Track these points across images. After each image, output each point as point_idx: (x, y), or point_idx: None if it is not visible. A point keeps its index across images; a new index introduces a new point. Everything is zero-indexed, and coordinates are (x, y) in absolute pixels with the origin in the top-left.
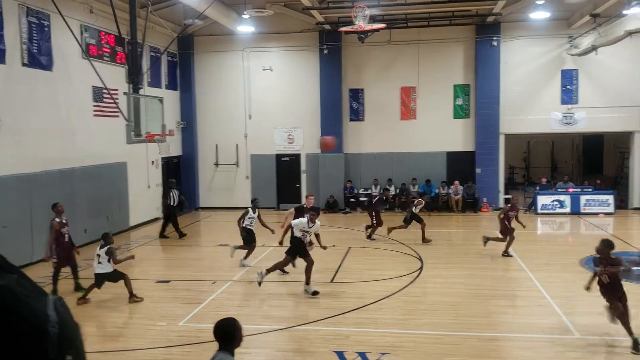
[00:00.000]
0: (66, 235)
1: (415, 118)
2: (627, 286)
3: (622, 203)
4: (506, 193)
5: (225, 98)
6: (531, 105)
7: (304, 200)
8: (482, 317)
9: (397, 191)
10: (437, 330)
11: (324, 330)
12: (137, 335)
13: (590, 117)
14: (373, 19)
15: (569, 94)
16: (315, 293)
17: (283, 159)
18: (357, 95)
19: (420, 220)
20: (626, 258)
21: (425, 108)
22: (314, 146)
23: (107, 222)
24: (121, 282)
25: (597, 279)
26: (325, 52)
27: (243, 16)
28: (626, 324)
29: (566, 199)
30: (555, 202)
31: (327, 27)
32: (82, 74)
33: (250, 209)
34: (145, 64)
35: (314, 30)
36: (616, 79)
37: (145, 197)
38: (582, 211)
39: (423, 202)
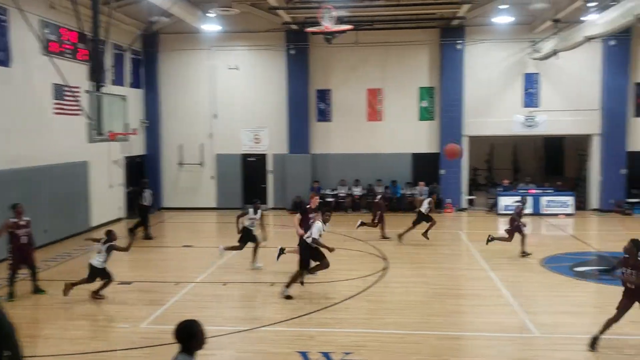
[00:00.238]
0: (24, 237)
1: (381, 119)
2: (587, 286)
3: (581, 204)
4: (469, 194)
5: (191, 97)
6: (494, 108)
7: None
8: (445, 316)
9: (365, 192)
10: (400, 330)
11: (288, 331)
12: (97, 338)
13: (551, 120)
14: (340, 20)
15: (530, 98)
16: (289, 297)
17: (249, 159)
18: (324, 96)
19: (429, 220)
20: (584, 258)
21: (391, 110)
22: (280, 146)
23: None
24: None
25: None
26: (292, 52)
27: (209, 15)
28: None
29: (528, 200)
30: (517, 203)
31: (294, 27)
32: (42, 71)
33: (250, 209)
34: (109, 61)
35: (280, 30)
36: (576, 83)
37: (107, 197)
38: (542, 212)
39: (433, 201)
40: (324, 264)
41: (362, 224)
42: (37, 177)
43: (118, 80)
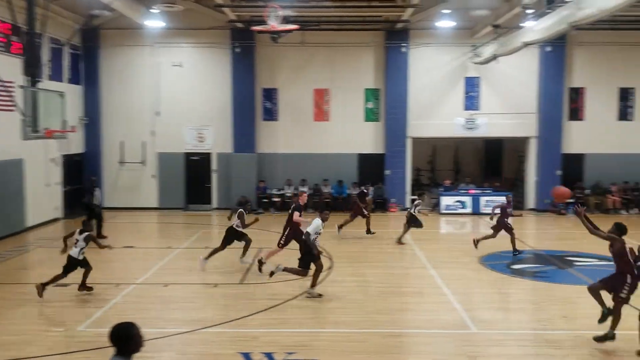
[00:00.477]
0: None
1: (328, 120)
2: (524, 283)
3: (518, 204)
4: (413, 194)
5: (132, 94)
6: (437, 110)
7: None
8: (387, 314)
9: (311, 192)
10: (344, 328)
11: (231, 332)
12: (31, 342)
13: (491, 123)
14: (286, 20)
15: (471, 101)
16: (320, 295)
17: (192, 157)
18: (270, 94)
19: (417, 223)
20: (520, 256)
21: (338, 110)
22: (225, 145)
23: None
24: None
25: None
26: (238, 50)
27: (152, 10)
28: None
29: (467, 200)
30: (457, 203)
31: (240, 25)
32: None
33: (243, 212)
34: (45, 56)
35: (225, 27)
36: (514, 87)
37: (43, 197)
38: (481, 211)
39: (421, 201)
40: (303, 272)
41: (340, 227)
42: None
43: (55, 76)
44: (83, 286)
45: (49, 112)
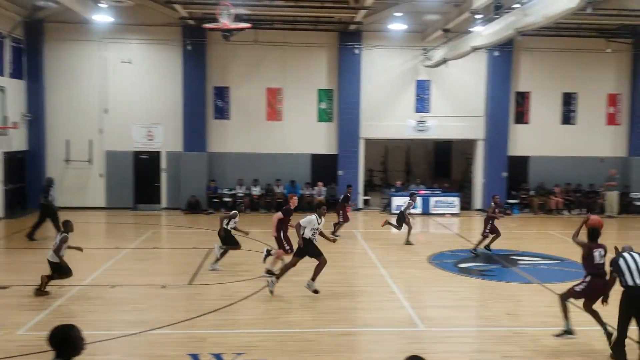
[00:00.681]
0: None
1: (281, 119)
2: (470, 282)
3: (466, 204)
4: (365, 194)
5: (79, 90)
6: (389, 112)
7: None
8: (338, 313)
9: (263, 192)
10: (293, 328)
11: (179, 334)
12: None
13: (441, 125)
14: (239, 18)
15: (422, 103)
16: (315, 292)
17: (141, 156)
18: (222, 93)
19: (407, 223)
20: (467, 255)
21: (291, 110)
22: (175, 143)
23: None
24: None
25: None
26: (189, 47)
27: (100, 5)
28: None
29: (418, 200)
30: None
31: (191, 22)
32: None
33: (237, 213)
34: None
35: (177, 24)
36: (463, 90)
37: None
38: (431, 212)
39: (412, 202)
40: (288, 265)
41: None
42: None
43: None
44: (42, 288)
45: None
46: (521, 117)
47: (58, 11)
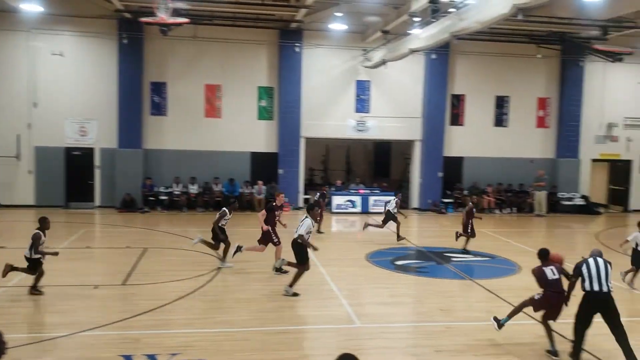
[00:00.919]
0: None
1: (220, 117)
2: (406, 279)
3: (404, 204)
4: (305, 193)
5: (5, 82)
6: (330, 111)
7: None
8: (275, 312)
9: (201, 190)
10: (229, 328)
11: (111, 335)
12: None
13: (380, 126)
14: (177, 13)
15: (362, 103)
16: (295, 294)
17: (74, 152)
18: (159, 89)
19: (395, 220)
20: (403, 253)
21: (230, 107)
22: (109, 140)
23: None
24: None
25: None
26: (125, 41)
27: None
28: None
29: (357, 199)
30: (348, 202)
31: (127, 15)
32: None
33: (227, 210)
34: None
35: (112, 17)
36: (402, 92)
37: None
38: (370, 210)
39: (399, 201)
40: (304, 267)
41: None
42: None
43: None
44: (34, 287)
45: None
46: (456, 119)
47: None
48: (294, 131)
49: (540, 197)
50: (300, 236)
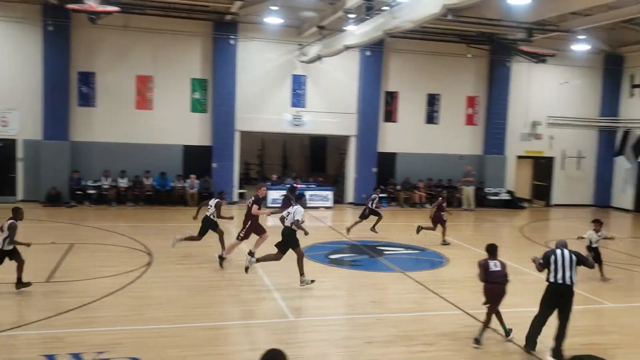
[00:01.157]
0: None
1: (152, 108)
2: (340, 272)
3: (339, 198)
4: (240, 188)
5: None
6: (265, 105)
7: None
8: (207, 308)
9: (131, 184)
10: (160, 324)
11: (33, 334)
12: None
13: (316, 121)
14: (106, 1)
15: (298, 98)
16: (313, 281)
17: None
18: (87, 79)
19: (377, 214)
20: (338, 247)
21: (162, 99)
22: (33, 131)
23: None
24: None
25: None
26: (50, 28)
27: None
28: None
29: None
30: (283, 197)
31: (53, 1)
32: None
33: (220, 201)
34: None
35: (36, 2)
36: (337, 87)
37: None
38: (306, 205)
39: (377, 197)
40: (277, 257)
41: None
42: None
43: None
44: (19, 282)
45: None
46: (390, 115)
47: None
48: (229, 124)
49: (468, 192)
50: (296, 221)
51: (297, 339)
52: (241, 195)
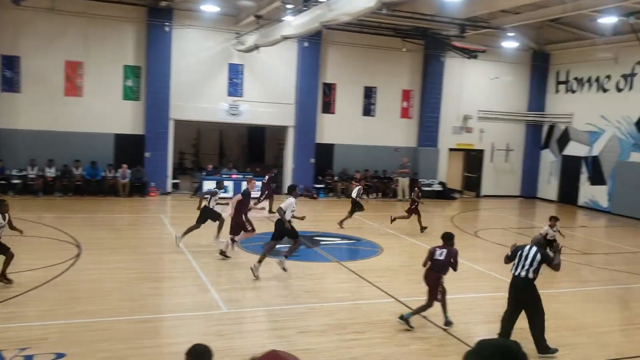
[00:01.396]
0: None
1: (81, 95)
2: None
3: (277, 188)
4: (174, 178)
5: None
6: (201, 94)
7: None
8: (136, 301)
9: (59, 173)
10: (88, 318)
11: None
12: None
13: (253, 111)
14: None
15: (235, 87)
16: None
17: None
18: (11, 63)
19: (360, 207)
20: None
21: (93, 86)
22: None
23: None
24: None
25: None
26: None
27: None
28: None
29: (229, 184)
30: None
31: None
32: None
33: (217, 190)
34: None
35: None
36: (275, 77)
37: None
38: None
39: (361, 188)
40: (268, 248)
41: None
42: None
43: None
44: (2, 276)
45: None
46: (328, 107)
47: None
48: (162, 113)
49: (403, 183)
50: (279, 209)
51: (230, 330)
52: (175, 186)
